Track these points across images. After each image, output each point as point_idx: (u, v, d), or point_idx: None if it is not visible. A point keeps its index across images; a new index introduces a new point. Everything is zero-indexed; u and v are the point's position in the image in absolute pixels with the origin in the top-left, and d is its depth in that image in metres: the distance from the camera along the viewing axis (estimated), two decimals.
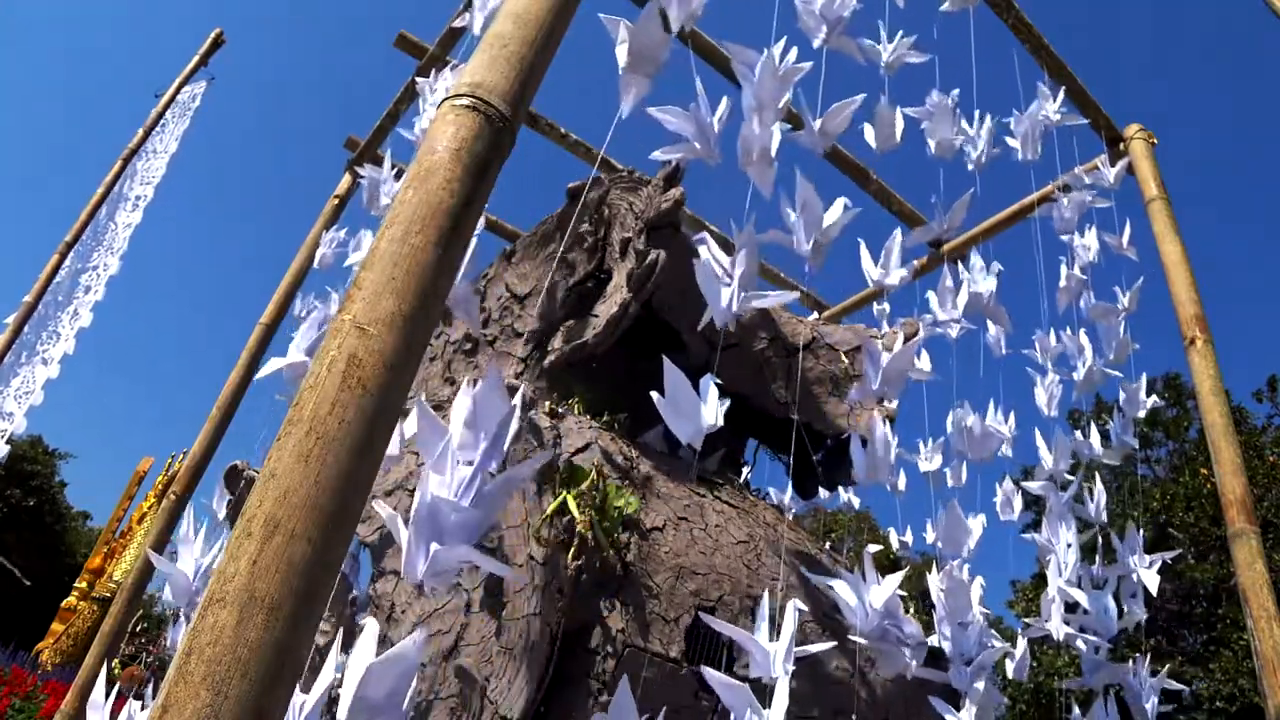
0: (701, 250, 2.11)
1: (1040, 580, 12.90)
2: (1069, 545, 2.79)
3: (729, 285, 2.02)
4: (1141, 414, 3.45)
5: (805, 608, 1.93)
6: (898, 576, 2.00)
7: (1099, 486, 3.21)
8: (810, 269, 2.27)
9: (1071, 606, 2.77)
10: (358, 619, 2.58)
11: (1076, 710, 2.69)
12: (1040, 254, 3.68)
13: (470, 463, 1.33)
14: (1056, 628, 2.68)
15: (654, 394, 1.93)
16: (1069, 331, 3.45)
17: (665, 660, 2.00)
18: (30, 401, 4.50)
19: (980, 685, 2.14)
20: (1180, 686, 3.00)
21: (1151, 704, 2.64)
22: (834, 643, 2.03)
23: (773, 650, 1.67)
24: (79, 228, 4.99)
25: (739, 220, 2.15)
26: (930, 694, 2.21)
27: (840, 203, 2.29)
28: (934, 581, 2.28)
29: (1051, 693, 11.15)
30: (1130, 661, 2.76)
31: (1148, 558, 2.96)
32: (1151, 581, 2.89)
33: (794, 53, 2.26)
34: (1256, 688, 2.58)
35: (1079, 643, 2.76)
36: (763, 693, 1.60)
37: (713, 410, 1.92)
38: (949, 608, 2.20)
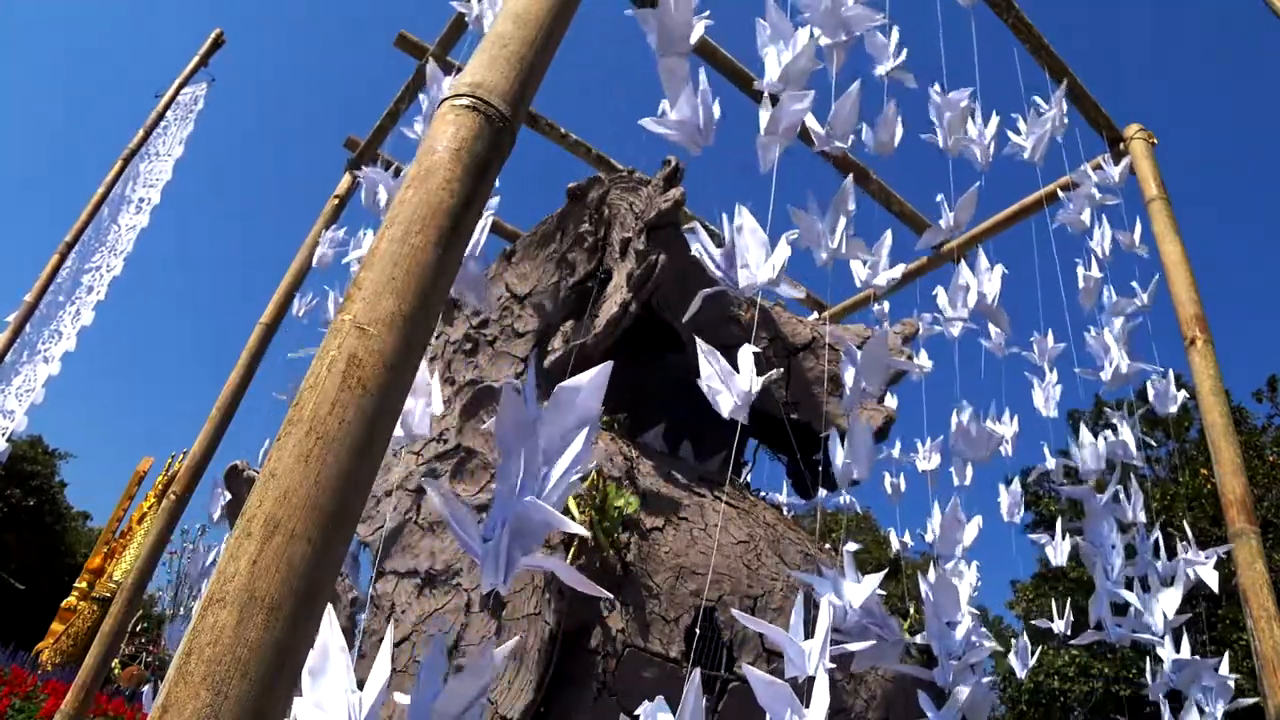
0: (696, 244, 2.10)
1: (1040, 580, 12.89)
2: (1114, 546, 2.75)
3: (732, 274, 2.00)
4: (1174, 409, 3.41)
5: (839, 602, 1.92)
6: (878, 575, 1.99)
7: (1134, 486, 3.17)
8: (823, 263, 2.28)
9: (1121, 608, 2.73)
10: (358, 619, 2.58)
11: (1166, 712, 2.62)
12: (1037, 253, 3.68)
13: (550, 463, 1.26)
14: (1109, 628, 2.65)
15: (699, 380, 1.89)
16: (1093, 331, 3.43)
17: (665, 660, 2.00)
18: (31, 399, 4.50)
19: (971, 683, 2.13)
20: (1234, 676, 2.95)
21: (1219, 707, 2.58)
22: (871, 641, 2.00)
23: (808, 648, 1.62)
24: (79, 228, 4.99)
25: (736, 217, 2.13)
26: (920, 691, 2.21)
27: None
28: (925, 581, 2.27)
29: (1051, 692, 11.14)
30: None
31: (1202, 554, 2.91)
32: (1210, 578, 2.84)
33: (806, 32, 2.25)
34: (1256, 688, 2.57)
35: (1159, 650, 2.69)
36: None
37: (748, 379, 1.87)
38: (936, 606, 2.19)
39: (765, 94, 2.21)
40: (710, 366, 1.89)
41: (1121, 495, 3.15)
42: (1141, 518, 3.09)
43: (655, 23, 2.03)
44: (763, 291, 2.04)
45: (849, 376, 2.29)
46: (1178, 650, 2.67)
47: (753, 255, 1.98)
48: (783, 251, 2.01)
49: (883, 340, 2.32)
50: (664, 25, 2.02)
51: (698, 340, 1.91)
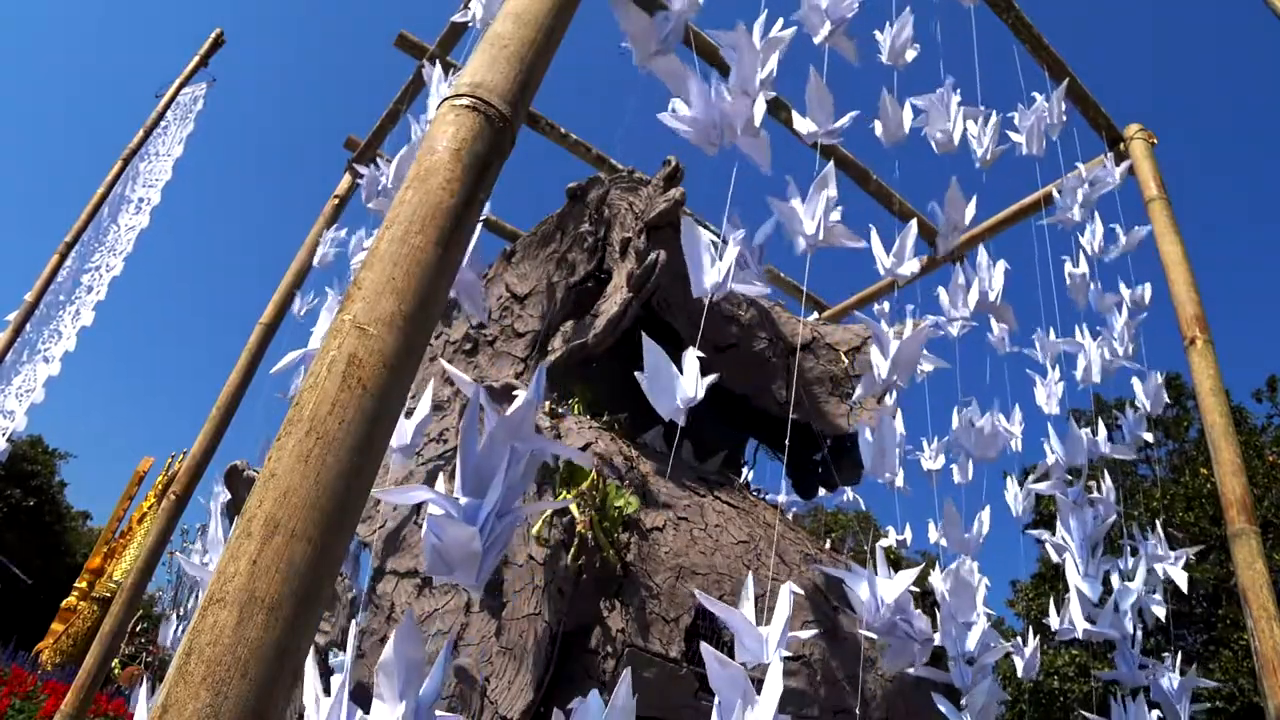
0: (689, 227, 2.11)
1: (1041, 580, 12.88)
2: (1082, 542, 2.76)
3: (716, 264, 2.03)
4: (1158, 410, 3.42)
5: (799, 590, 1.92)
6: (912, 572, 1.99)
7: (1107, 481, 3.18)
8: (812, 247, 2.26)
9: (1099, 603, 2.74)
10: (357, 619, 2.58)
11: (1118, 707, 2.64)
12: (1038, 253, 3.68)
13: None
14: (1079, 626, 2.66)
15: (637, 373, 1.88)
16: (1079, 329, 3.43)
17: (665, 660, 2.00)
18: (32, 399, 4.50)
19: (984, 684, 2.14)
20: (1212, 684, 2.98)
21: (1184, 705, 2.61)
22: (814, 630, 2.04)
23: (765, 634, 1.57)
24: (79, 228, 4.99)
25: (739, 214, 2.15)
26: (933, 692, 2.21)
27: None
28: (937, 580, 2.27)
29: (1051, 692, 11.14)
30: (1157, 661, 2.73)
31: (1172, 554, 2.93)
32: (1180, 578, 2.86)
33: (779, 24, 2.24)
34: (1256, 688, 2.57)
35: (1128, 646, 2.71)
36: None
37: (692, 383, 1.86)
38: (953, 606, 2.20)
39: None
40: (656, 366, 1.87)
41: (1098, 490, 3.16)
42: (1114, 514, 3.10)
43: (634, 27, 2.04)
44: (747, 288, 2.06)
45: (881, 367, 2.28)
46: (1132, 647, 2.72)
47: (705, 263, 2.01)
48: (730, 253, 2.04)
49: (919, 337, 2.31)
50: (630, 29, 2.03)
51: (643, 336, 1.88)
